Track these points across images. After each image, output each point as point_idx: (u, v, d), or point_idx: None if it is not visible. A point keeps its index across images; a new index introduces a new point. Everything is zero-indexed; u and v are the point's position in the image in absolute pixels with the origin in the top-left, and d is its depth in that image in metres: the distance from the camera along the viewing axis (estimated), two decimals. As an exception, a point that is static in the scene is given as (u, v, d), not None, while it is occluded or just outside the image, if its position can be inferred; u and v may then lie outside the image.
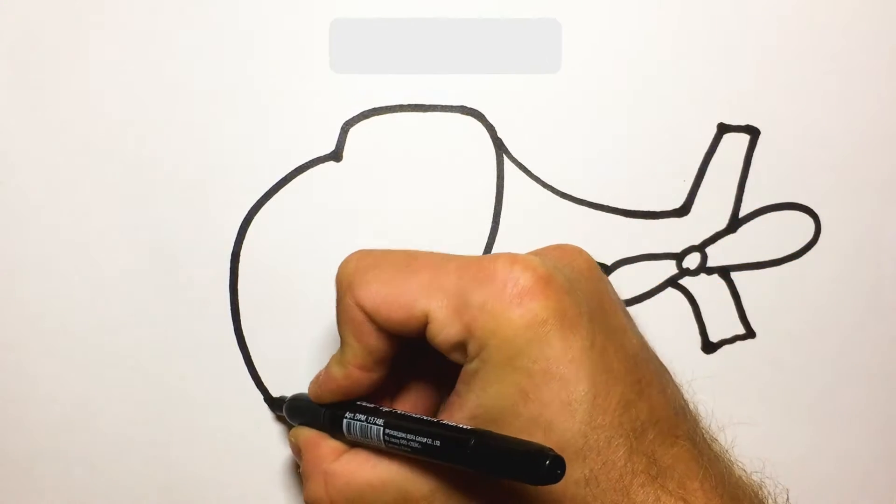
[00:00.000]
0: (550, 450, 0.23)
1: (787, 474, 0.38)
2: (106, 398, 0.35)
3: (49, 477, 0.36)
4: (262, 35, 0.34)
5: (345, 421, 0.30)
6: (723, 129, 0.36)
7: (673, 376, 0.30)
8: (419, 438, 0.27)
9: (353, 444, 0.30)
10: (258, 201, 0.35)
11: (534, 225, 0.36)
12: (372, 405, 0.30)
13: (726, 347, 0.37)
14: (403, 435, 0.27)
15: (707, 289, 0.37)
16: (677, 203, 0.36)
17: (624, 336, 0.28)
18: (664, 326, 0.37)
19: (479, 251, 0.36)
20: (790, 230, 0.37)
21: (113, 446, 0.36)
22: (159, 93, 0.34)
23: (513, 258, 0.27)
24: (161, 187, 0.35)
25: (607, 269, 0.36)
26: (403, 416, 0.28)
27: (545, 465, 0.23)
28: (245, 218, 0.35)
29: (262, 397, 0.36)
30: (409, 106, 0.35)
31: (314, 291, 0.35)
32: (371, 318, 0.28)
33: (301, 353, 0.36)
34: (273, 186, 0.35)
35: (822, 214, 0.37)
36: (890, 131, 0.36)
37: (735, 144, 0.36)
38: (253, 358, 0.36)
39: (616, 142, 0.35)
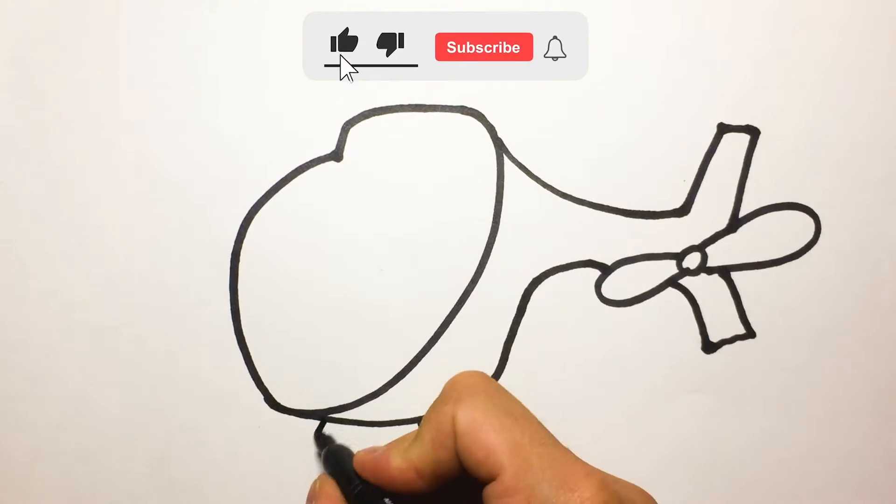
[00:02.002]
0: None
1: (788, 474, 0.38)
2: (106, 398, 0.35)
3: (49, 477, 0.36)
4: (264, 35, 0.34)
5: None
6: (723, 129, 0.36)
7: None
8: None
9: None
10: (258, 201, 0.35)
11: (534, 225, 0.36)
12: None
13: (726, 347, 0.37)
14: None
15: (707, 289, 0.37)
16: (677, 203, 0.36)
17: None
18: (664, 326, 0.37)
19: (479, 251, 0.36)
20: (790, 230, 0.37)
21: (113, 446, 0.36)
22: (159, 92, 0.34)
23: (603, 485, 0.27)
24: (161, 187, 0.35)
25: (607, 269, 0.36)
26: None
27: None
28: (245, 218, 0.35)
29: (262, 397, 0.36)
30: (409, 106, 0.35)
31: (314, 291, 0.35)
32: (456, 437, 0.28)
33: (301, 353, 0.36)
34: (273, 186, 0.35)
35: (822, 214, 0.37)
36: (890, 131, 0.36)
37: (735, 144, 0.36)
38: (253, 358, 0.36)
39: (616, 142, 0.35)
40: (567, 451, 0.28)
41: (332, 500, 0.31)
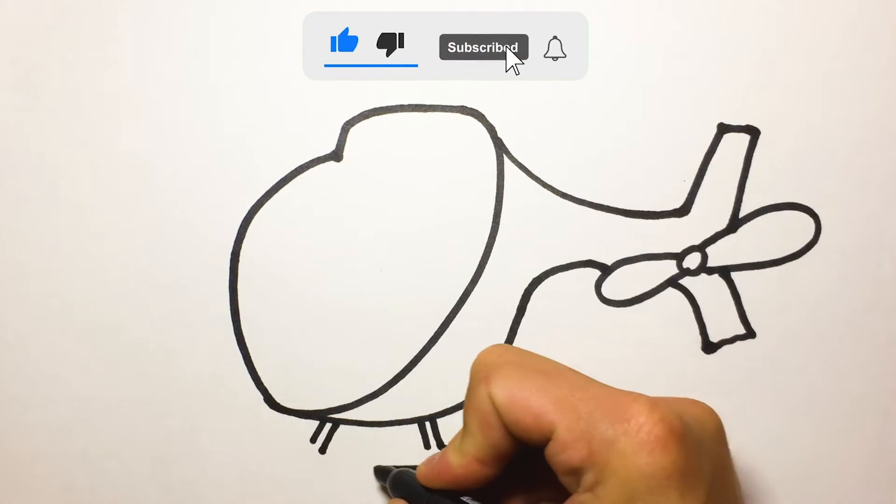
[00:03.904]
0: None
1: (788, 474, 0.38)
2: (106, 398, 0.35)
3: (49, 477, 0.36)
4: (264, 35, 0.34)
5: None
6: (723, 129, 0.36)
7: None
8: None
9: None
10: (258, 201, 0.35)
11: (534, 225, 0.36)
12: None
13: (726, 347, 0.37)
14: None
15: (707, 289, 0.37)
16: (677, 203, 0.36)
17: None
18: (664, 326, 0.37)
19: (479, 251, 0.36)
20: (790, 230, 0.37)
21: (113, 446, 0.36)
22: (159, 92, 0.34)
23: (653, 404, 0.27)
24: (161, 187, 0.35)
25: (607, 269, 0.36)
26: None
27: None
28: (245, 218, 0.35)
29: (262, 397, 0.36)
30: (409, 106, 0.35)
31: (314, 291, 0.35)
32: (500, 414, 0.28)
33: (301, 353, 0.36)
34: (273, 186, 0.35)
35: (822, 214, 0.36)
36: (890, 131, 0.36)
37: (735, 144, 0.36)
38: (253, 358, 0.36)
39: (616, 141, 0.35)
40: (608, 387, 0.28)
41: None
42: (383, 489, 0.36)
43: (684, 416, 0.27)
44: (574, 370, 0.29)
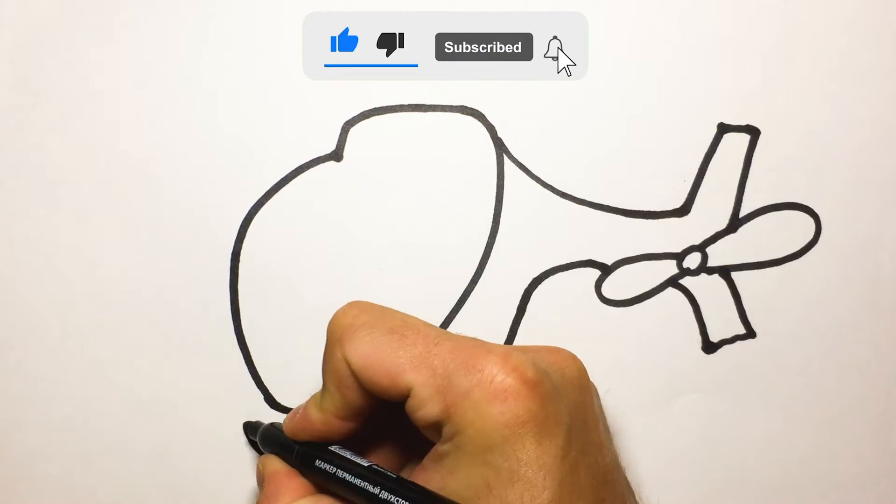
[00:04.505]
0: None
1: (788, 474, 0.38)
2: (106, 398, 0.35)
3: (49, 477, 0.36)
4: (264, 35, 0.34)
5: (317, 462, 0.30)
6: (723, 129, 0.36)
7: (638, 500, 0.30)
8: (397, 499, 0.26)
9: (321, 489, 0.30)
10: (258, 201, 0.35)
11: (534, 225, 0.36)
12: (349, 454, 0.30)
13: (726, 347, 0.37)
14: (381, 492, 0.27)
15: (707, 289, 0.37)
16: (677, 203, 0.36)
17: (598, 452, 0.28)
18: (664, 326, 0.37)
19: (479, 251, 0.36)
20: (790, 230, 0.37)
21: (113, 446, 0.36)
22: (159, 92, 0.34)
23: (506, 354, 0.27)
24: (161, 187, 0.35)
25: (607, 269, 0.36)
26: (379, 473, 0.28)
27: None
28: (245, 218, 0.35)
29: (262, 397, 0.36)
30: (409, 106, 0.35)
31: (314, 291, 0.35)
32: (355, 376, 0.28)
33: (301, 353, 0.36)
34: (273, 186, 0.35)
35: (822, 214, 0.36)
36: (890, 131, 0.36)
37: (735, 144, 0.36)
38: (253, 358, 0.36)
39: (616, 141, 0.35)
40: (465, 338, 0.28)
41: (278, 474, 0.31)
42: (252, 444, 0.36)
43: (541, 363, 0.27)
44: (430, 324, 0.29)
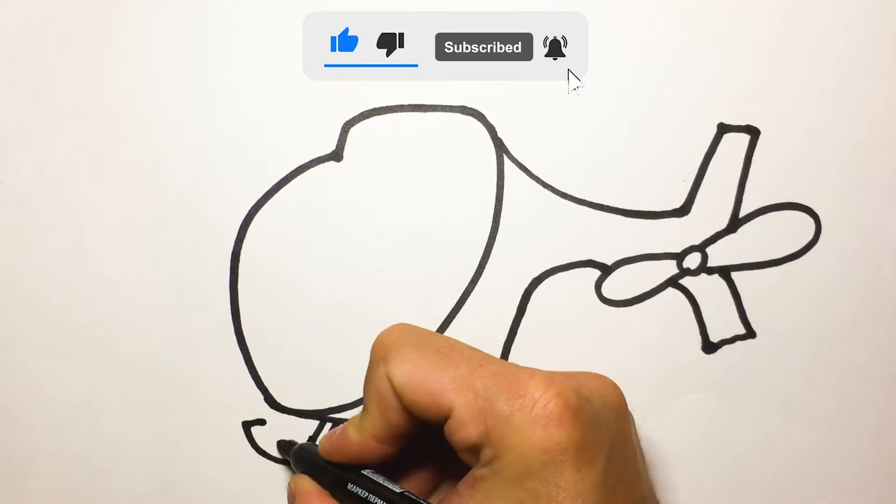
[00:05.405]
0: None
1: (788, 474, 0.38)
2: (106, 398, 0.35)
3: (49, 477, 0.36)
4: (264, 35, 0.34)
5: (349, 486, 0.30)
6: (723, 129, 0.36)
7: None
8: None
9: None
10: (258, 201, 0.35)
11: (534, 225, 0.36)
12: (381, 478, 0.30)
13: (726, 347, 0.37)
14: None
15: (707, 289, 0.37)
16: (677, 203, 0.36)
17: (635, 481, 0.28)
18: (664, 326, 0.37)
19: (479, 251, 0.36)
20: (790, 230, 0.37)
21: (113, 446, 0.36)
22: (159, 92, 0.34)
23: (549, 379, 0.27)
24: (161, 187, 0.35)
25: (607, 269, 0.36)
26: (411, 500, 0.28)
27: None
28: (245, 218, 0.35)
29: (262, 397, 0.36)
30: (409, 106, 0.35)
31: (314, 291, 0.35)
32: (398, 395, 0.28)
33: (301, 353, 0.36)
34: (273, 186, 0.35)
35: (822, 214, 0.36)
36: (890, 131, 0.36)
37: (735, 144, 0.36)
38: (253, 358, 0.36)
39: (616, 142, 0.35)
40: (507, 363, 0.28)
41: (310, 494, 0.31)
42: (285, 463, 0.36)
43: (583, 390, 0.27)
44: (473, 348, 0.29)
